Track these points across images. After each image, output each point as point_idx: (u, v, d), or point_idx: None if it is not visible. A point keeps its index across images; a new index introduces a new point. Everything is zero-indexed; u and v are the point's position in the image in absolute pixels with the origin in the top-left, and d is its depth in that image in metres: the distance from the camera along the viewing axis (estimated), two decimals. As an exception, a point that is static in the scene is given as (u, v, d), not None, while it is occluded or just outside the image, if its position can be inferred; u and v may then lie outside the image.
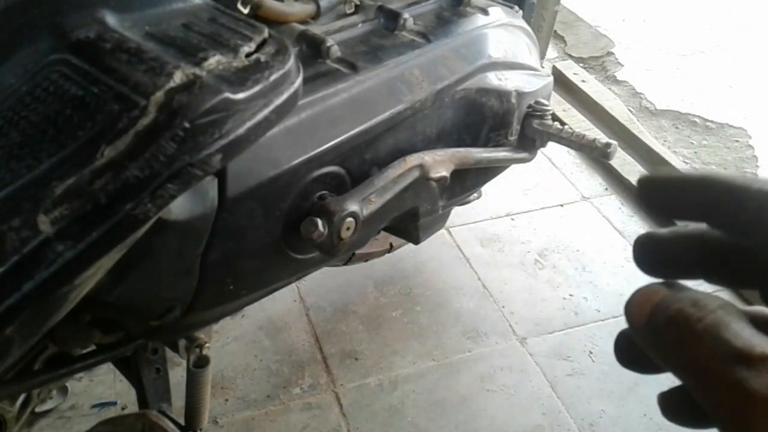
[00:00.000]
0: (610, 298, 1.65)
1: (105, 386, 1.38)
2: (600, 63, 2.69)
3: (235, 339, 1.50)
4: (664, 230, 0.28)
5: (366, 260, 1.42)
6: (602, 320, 1.59)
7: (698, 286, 0.26)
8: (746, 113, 2.41)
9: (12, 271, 0.45)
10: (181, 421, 0.95)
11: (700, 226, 0.27)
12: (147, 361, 0.98)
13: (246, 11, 0.74)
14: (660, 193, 0.27)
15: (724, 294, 1.61)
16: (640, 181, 0.28)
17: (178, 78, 0.49)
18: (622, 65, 2.67)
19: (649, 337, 0.24)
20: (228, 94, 0.50)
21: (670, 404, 0.29)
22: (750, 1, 3.20)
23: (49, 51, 0.52)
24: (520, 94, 1.01)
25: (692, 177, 0.27)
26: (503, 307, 1.62)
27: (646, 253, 0.29)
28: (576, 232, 1.85)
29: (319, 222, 0.72)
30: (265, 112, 0.53)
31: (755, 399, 0.20)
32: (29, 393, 0.94)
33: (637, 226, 1.89)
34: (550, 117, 1.05)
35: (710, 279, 0.28)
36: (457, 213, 1.66)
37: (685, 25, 2.97)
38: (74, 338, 0.79)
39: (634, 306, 0.25)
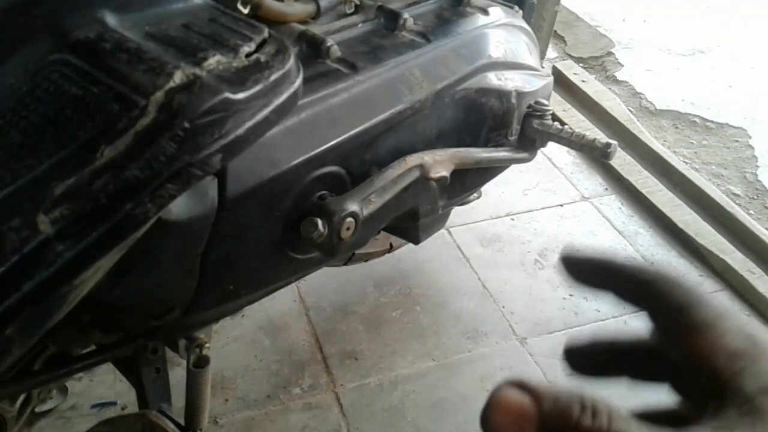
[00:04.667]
0: (610, 298, 1.65)
1: (105, 386, 1.38)
2: (600, 63, 2.69)
3: (235, 339, 1.50)
4: (583, 340, 0.32)
5: (366, 260, 1.42)
6: (602, 320, 1.59)
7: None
8: (746, 113, 2.41)
9: (12, 271, 0.45)
10: (181, 421, 0.95)
11: (614, 333, 0.31)
12: (147, 361, 0.98)
13: (246, 11, 0.74)
14: (574, 271, 0.31)
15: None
16: (561, 259, 0.31)
17: (178, 78, 0.49)
18: (622, 65, 2.67)
19: None
20: (228, 94, 0.50)
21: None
22: (751, 1, 3.20)
23: (49, 51, 0.52)
24: (520, 94, 1.01)
25: (596, 262, 0.30)
26: (503, 307, 1.62)
27: (572, 361, 0.31)
28: (576, 232, 1.85)
29: (319, 222, 0.72)
30: (265, 112, 0.53)
31: None
32: (29, 393, 0.94)
33: (637, 225, 1.89)
34: (550, 117, 1.05)
35: (629, 376, 0.30)
36: (457, 213, 1.66)
37: (685, 25, 2.97)
38: (74, 338, 0.79)
39: (504, 427, 0.22)
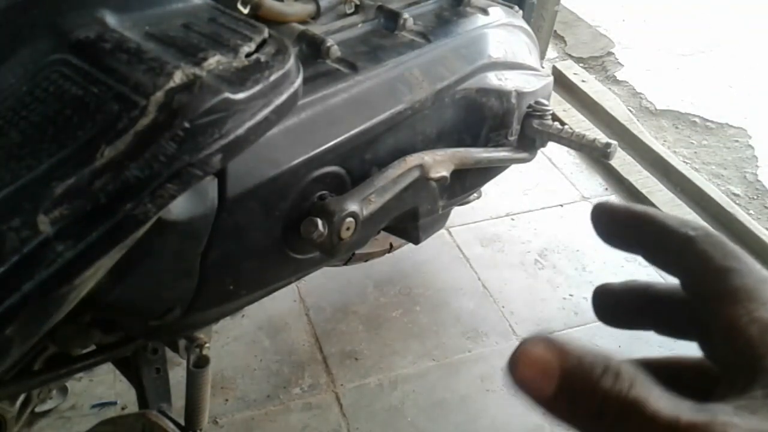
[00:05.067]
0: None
1: (105, 386, 1.38)
2: (600, 63, 2.69)
3: (235, 339, 1.50)
4: (616, 283, 0.30)
5: (366, 260, 1.42)
6: (602, 320, 1.59)
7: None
8: (746, 113, 2.41)
9: (12, 271, 0.45)
10: (181, 421, 0.95)
11: (642, 282, 0.30)
12: (147, 361, 0.98)
13: (246, 11, 0.74)
14: (607, 222, 0.29)
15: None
16: (595, 207, 0.29)
17: (178, 78, 0.49)
18: (622, 65, 2.67)
19: (565, 414, 0.23)
20: (228, 94, 0.50)
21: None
22: (751, 1, 3.20)
23: (49, 51, 0.52)
24: (520, 94, 1.01)
25: (634, 212, 0.28)
26: (503, 307, 1.62)
27: (601, 305, 0.31)
28: (576, 232, 1.85)
29: (319, 222, 0.72)
30: (265, 112, 0.53)
31: None
32: (29, 393, 0.94)
33: (637, 226, 1.89)
34: (550, 117, 1.05)
35: (657, 330, 0.29)
36: (457, 213, 1.66)
37: (685, 25, 2.97)
38: (74, 338, 0.79)
39: (527, 378, 0.23)
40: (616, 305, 0.30)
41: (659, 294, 0.29)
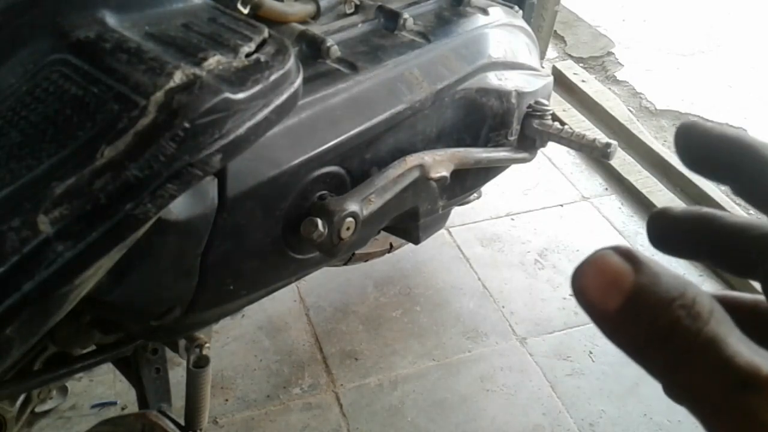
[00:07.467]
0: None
1: (105, 386, 1.38)
2: (600, 63, 2.69)
3: (235, 339, 1.50)
4: (677, 208, 0.26)
5: (366, 260, 1.42)
6: (602, 320, 1.59)
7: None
8: (746, 113, 2.41)
9: (12, 271, 0.45)
10: (181, 421, 0.95)
11: (711, 210, 0.26)
12: (147, 361, 0.98)
13: (246, 11, 0.74)
14: (697, 145, 0.25)
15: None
16: (682, 126, 0.25)
17: (178, 78, 0.49)
18: (622, 65, 2.67)
19: (625, 336, 0.20)
20: (228, 94, 0.50)
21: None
22: (750, 1, 3.20)
23: (49, 51, 0.52)
24: (520, 94, 1.01)
25: (727, 136, 0.24)
26: (503, 307, 1.62)
27: (658, 228, 0.26)
28: (576, 232, 1.85)
29: (319, 222, 0.72)
30: (265, 112, 0.53)
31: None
32: (29, 393, 0.94)
33: (637, 225, 1.89)
34: (550, 117, 1.05)
35: (715, 263, 0.26)
36: (457, 213, 1.66)
37: (685, 25, 2.97)
38: (74, 338, 0.79)
39: (593, 288, 0.19)
40: (674, 232, 0.26)
41: (725, 227, 0.25)
